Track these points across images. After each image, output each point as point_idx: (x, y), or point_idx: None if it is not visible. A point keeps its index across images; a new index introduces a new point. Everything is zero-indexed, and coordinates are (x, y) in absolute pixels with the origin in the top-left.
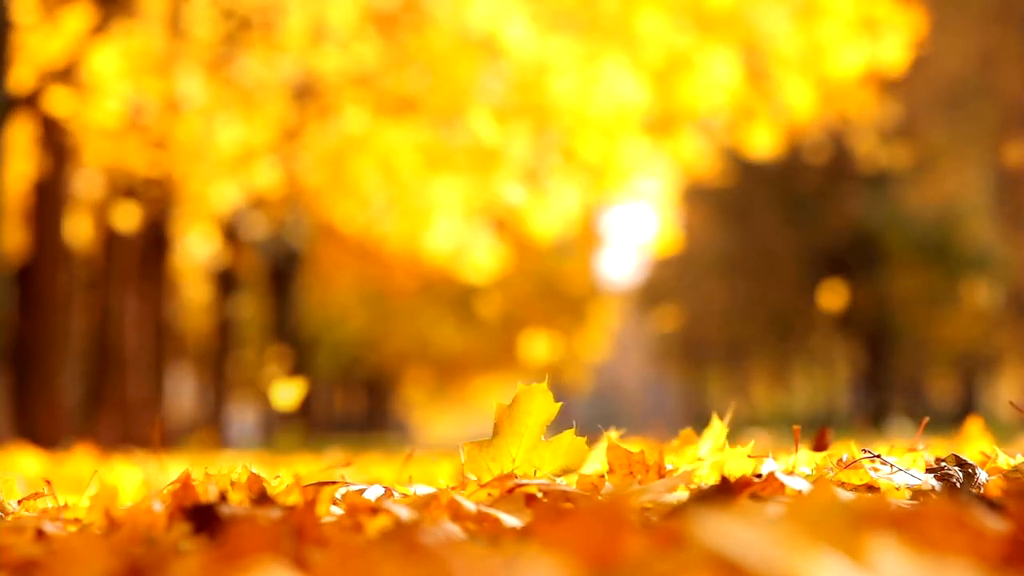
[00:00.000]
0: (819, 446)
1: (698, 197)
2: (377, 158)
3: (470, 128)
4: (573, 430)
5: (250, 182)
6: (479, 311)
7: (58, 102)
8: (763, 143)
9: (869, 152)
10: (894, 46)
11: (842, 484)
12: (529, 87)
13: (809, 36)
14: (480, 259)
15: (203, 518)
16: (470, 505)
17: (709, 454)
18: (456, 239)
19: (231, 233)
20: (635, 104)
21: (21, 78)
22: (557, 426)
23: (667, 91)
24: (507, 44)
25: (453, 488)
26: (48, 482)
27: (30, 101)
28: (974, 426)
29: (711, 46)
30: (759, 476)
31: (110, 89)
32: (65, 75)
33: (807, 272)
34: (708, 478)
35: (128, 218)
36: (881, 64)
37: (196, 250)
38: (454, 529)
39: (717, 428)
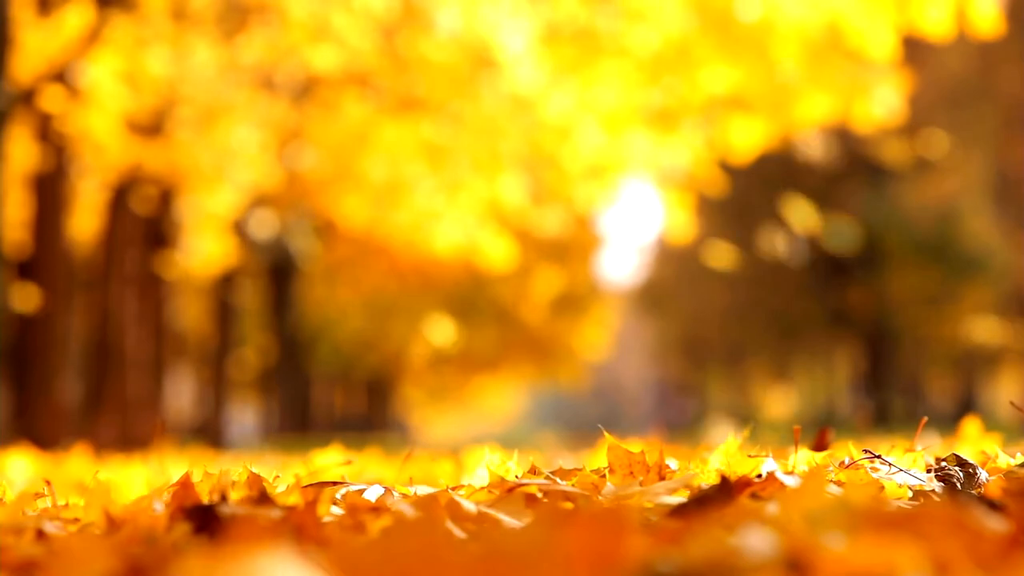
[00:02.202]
0: (819, 446)
1: (698, 197)
2: (381, 152)
3: (470, 128)
4: None
5: (252, 181)
6: (495, 300)
7: (56, 103)
8: (754, 143)
9: (873, 151)
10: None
11: (842, 484)
12: (526, 97)
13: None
14: (490, 251)
15: (203, 518)
16: (470, 506)
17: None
18: (463, 233)
19: (233, 232)
20: (635, 104)
21: (20, 77)
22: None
23: (669, 90)
24: (504, 55)
25: (453, 488)
26: (48, 482)
27: (30, 99)
28: (972, 426)
29: (717, 50)
30: (759, 476)
31: (108, 91)
32: (63, 76)
33: (807, 272)
34: (708, 478)
35: (129, 215)
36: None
37: (197, 250)
38: (454, 530)
39: (731, 443)
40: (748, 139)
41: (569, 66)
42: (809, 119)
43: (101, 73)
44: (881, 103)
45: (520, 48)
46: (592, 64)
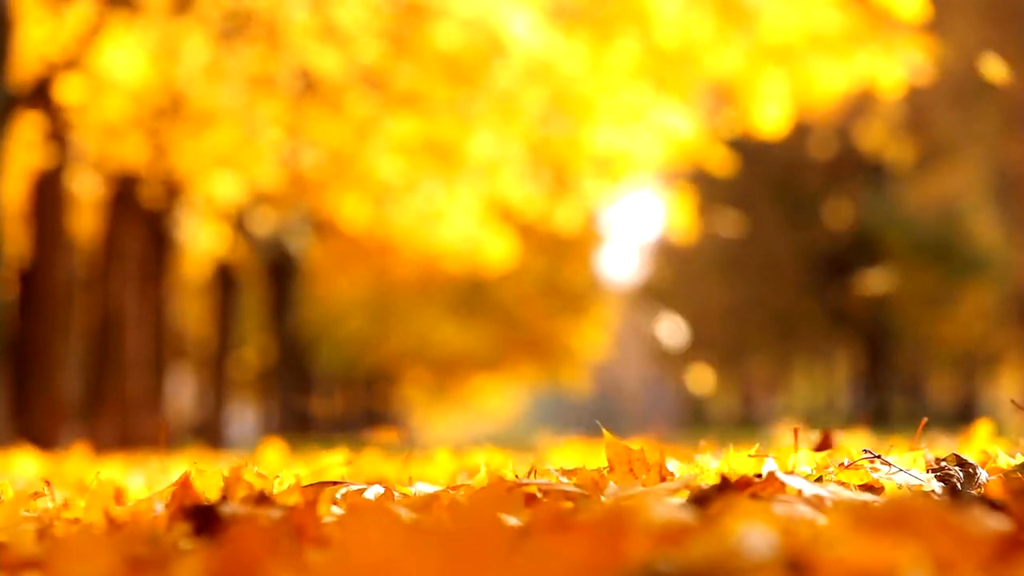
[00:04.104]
0: (823, 445)
1: (699, 196)
2: (383, 150)
3: (477, 122)
4: None
5: (253, 179)
6: (495, 299)
7: (63, 96)
8: (773, 121)
9: (875, 147)
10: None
11: (843, 484)
12: (536, 80)
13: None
14: (492, 250)
15: (203, 518)
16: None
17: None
18: (466, 231)
19: (233, 231)
20: (646, 93)
21: (23, 73)
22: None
23: (676, 77)
24: (510, 40)
25: (453, 488)
26: (48, 482)
27: (32, 98)
28: (983, 429)
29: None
30: (759, 476)
31: (114, 84)
32: (69, 69)
33: (807, 272)
34: (709, 478)
35: (130, 214)
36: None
37: (197, 249)
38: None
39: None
40: (775, 111)
41: (578, 45)
42: (833, 86)
43: (103, 70)
44: (906, 64)
45: (524, 30)
46: (599, 45)
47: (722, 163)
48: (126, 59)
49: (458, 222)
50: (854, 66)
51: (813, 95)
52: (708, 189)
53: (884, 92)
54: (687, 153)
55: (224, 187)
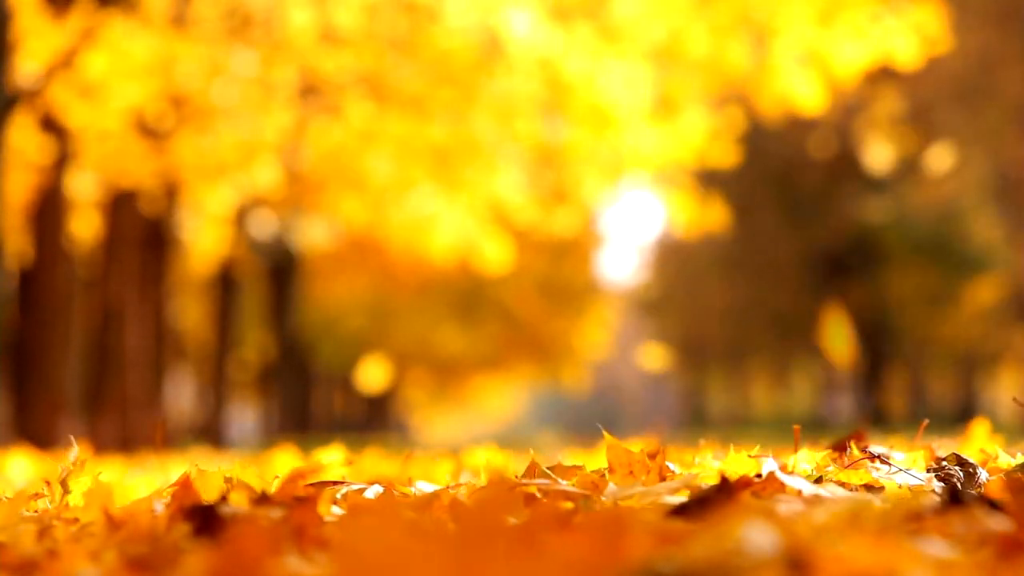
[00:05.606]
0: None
1: (699, 197)
2: (382, 153)
3: (476, 125)
4: None
5: (252, 182)
6: (495, 300)
7: (59, 101)
8: (773, 108)
9: (873, 147)
10: (908, 40)
11: (843, 484)
12: (536, 79)
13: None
14: (489, 253)
15: (204, 518)
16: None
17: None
18: (461, 235)
19: (233, 232)
20: (645, 89)
21: (21, 76)
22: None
23: (674, 73)
24: (510, 40)
25: (453, 488)
26: (48, 482)
27: (31, 99)
28: (980, 428)
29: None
30: (759, 476)
31: (111, 89)
32: (66, 74)
33: (807, 272)
34: (709, 478)
35: (130, 215)
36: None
37: (197, 250)
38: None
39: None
40: (805, 85)
41: (579, 44)
42: (853, 61)
43: (102, 72)
44: (922, 35)
45: (525, 30)
46: (601, 45)
47: (727, 159)
48: (124, 63)
49: (455, 225)
50: (872, 40)
51: (834, 71)
52: (708, 188)
53: (901, 66)
54: (692, 150)
55: (224, 190)
